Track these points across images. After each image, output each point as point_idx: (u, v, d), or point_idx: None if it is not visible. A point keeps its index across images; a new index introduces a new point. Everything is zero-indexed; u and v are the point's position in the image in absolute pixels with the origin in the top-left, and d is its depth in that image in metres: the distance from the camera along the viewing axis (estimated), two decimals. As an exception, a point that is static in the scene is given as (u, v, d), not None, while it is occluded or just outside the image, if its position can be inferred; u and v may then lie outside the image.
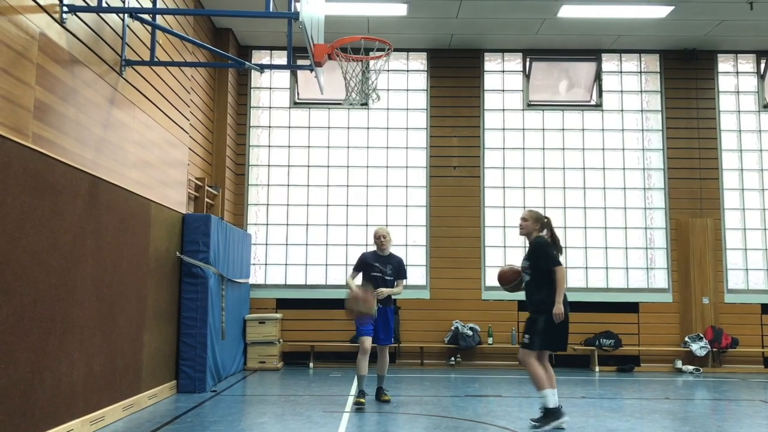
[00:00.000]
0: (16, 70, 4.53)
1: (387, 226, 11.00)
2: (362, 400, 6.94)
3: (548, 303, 5.92)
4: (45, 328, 4.90)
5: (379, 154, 11.39)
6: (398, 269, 7.34)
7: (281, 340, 10.58)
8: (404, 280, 7.51)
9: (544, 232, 6.24)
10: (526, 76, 11.63)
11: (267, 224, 11.31)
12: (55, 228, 5.04)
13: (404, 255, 11.01)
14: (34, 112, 4.74)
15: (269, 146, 11.45)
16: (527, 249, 6.31)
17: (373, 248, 7.50)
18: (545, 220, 6.30)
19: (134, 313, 6.63)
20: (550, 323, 5.90)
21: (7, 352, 4.40)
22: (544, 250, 6.07)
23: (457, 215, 11.19)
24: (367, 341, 7.09)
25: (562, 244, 6.33)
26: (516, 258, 11.19)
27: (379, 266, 7.25)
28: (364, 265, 7.34)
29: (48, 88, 4.95)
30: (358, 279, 7.38)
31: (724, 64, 11.67)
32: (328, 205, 11.29)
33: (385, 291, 7.11)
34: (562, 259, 6.15)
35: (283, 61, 11.27)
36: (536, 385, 5.92)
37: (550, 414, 5.83)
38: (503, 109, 11.59)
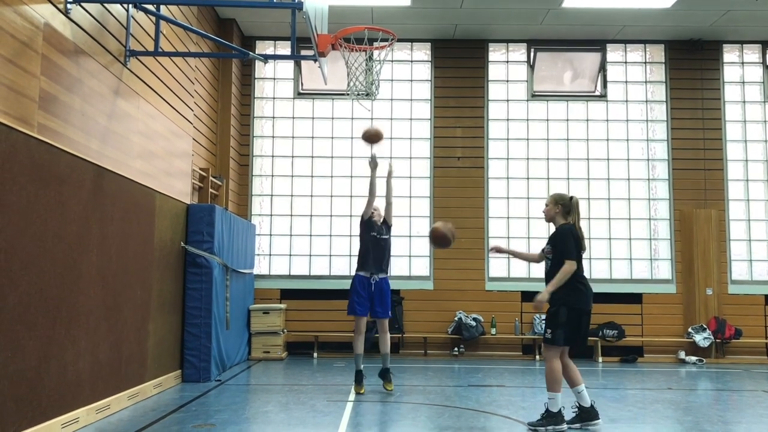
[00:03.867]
0: (21, 61, 4.55)
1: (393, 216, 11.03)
2: (362, 390, 7.11)
3: (569, 294, 5.57)
4: (51, 317, 4.94)
5: (383, 144, 11.35)
6: (389, 228, 7.72)
7: (285, 330, 10.62)
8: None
9: (570, 219, 5.77)
10: (531, 66, 11.60)
11: (271, 215, 11.33)
12: (61, 218, 5.07)
13: (407, 246, 11.10)
14: (40, 103, 4.76)
15: (273, 137, 11.46)
16: (552, 234, 5.90)
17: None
18: (570, 199, 5.80)
19: (139, 303, 6.67)
20: (572, 318, 5.54)
21: (14, 341, 4.44)
22: (563, 239, 5.66)
23: (461, 206, 11.19)
24: (362, 321, 7.31)
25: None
26: (518, 248, 11.23)
27: (376, 227, 7.55)
28: (367, 227, 7.56)
29: (53, 79, 4.96)
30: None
31: (730, 54, 11.62)
32: (331, 196, 11.30)
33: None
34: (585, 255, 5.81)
35: (287, 51, 11.25)
36: (549, 384, 5.57)
37: (553, 417, 5.51)
38: (507, 100, 11.57)
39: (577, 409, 5.65)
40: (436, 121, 11.43)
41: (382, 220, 7.67)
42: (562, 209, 5.80)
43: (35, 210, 4.70)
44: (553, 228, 5.95)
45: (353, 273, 7.55)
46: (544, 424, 5.50)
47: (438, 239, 6.91)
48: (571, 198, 5.83)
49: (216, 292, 8.12)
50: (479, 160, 11.33)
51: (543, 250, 5.91)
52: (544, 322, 10.48)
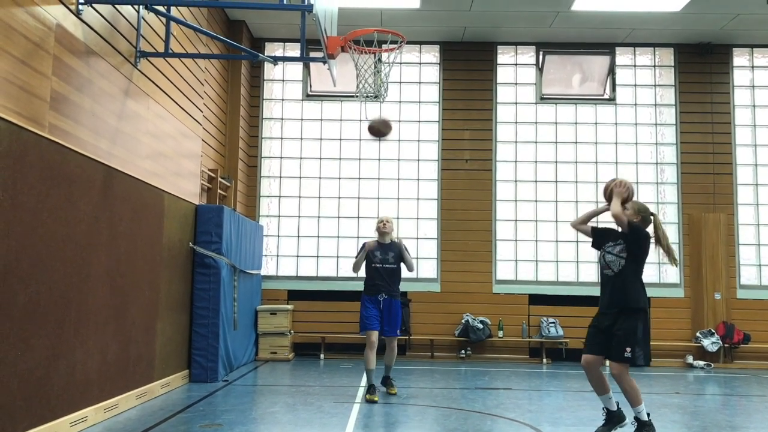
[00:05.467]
0: (33, 61, 4.58)
1: (398, 218, 11.06)
2: (376, 398, 6.84)
3: (645, 303, 5.14)
4: (60, 316, 4.97)
5: (391, 146, 11.39)
6: (400, 254, 7.27)
7: (292, 331, 10.64)
8: (412, 260, 7.39)
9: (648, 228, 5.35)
10: (539, 69, 11.59)
11: (279, 216, 11.36)
12: (71, 217, 5.10)
13: (415, 248, 11.09)
14: (51, 103, 4.80)
15: (281, 138, 11.49)
16: (622, 234, 5.32)
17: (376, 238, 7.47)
18: (649, 214, 5.37)
19: (147, 303, 6.69)
20: (647, 330, 5.12)
21: (23, 339, 4.47)
22: (643, 233, 5.21)
23: (469, 208, 11.19)
24: (373, 335, 7.07)
25: (578, 239, 5.61)
26: (526, 252, 11.21)
27: (379, 255, 7.22)
28: (368, 257, 7.29)
29: (64, 79, 5.00)
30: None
31: (740, 58, 11.58)
32: (339, 198, 11.32)
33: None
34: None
35: (296, 53, 11.29)
36: (633, 400, 5.17)
37: (645, 426, 5.14)
38: (516, 103, 11.56)
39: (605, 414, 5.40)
40: (445, 124, 11.44)
41: (389, 240, 7.32)
42: (641, 219, 5.34)
43: (45, 210, 4.73)
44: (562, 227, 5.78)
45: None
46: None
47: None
48: (653, 214, 5.43)
49: (224, 293, 8.14)
50: (487, 163, 11.33)
51: (606, 259, 5.30)
52: (552, 324, 10.48)
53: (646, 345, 5.15)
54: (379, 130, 6.93)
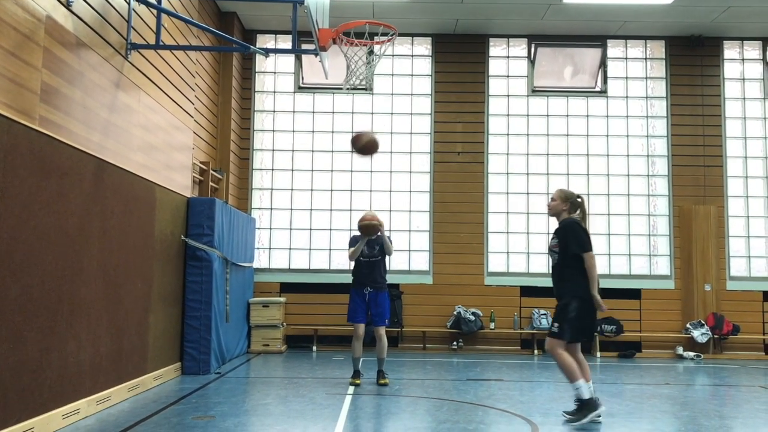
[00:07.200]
0: (23, 53, 4.56)
1: (390, 211, 11.09)
2: (358, 381, 7.30)
3: (579, 289, 5.54)
4: (52, 308, 4.97)
5: (384, 139, 11.38)
6: (383, 244, 7.45)
7: (285, 323, 10.66)
8: (391, 245, 7.59)
9: (577, 213, 5.82)
10: (531, 61, 11.60)
11: (271, 209, 11.35)
12: (62, 210, 5.09)
13: (407, 240, 11.13)
14: (41, 95, 4.78)
15: (273, 131, 11.47)
16: (557, 229, 5.83)
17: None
18: (578, 199, 5.84)
19: (140, 295, 6.69)
20: (582, 311, 5.51)
21: (15, 332, 4.47)
22: (574, 233, 5.63)
23: (461, 201, 11.21)
24: (360, 328, 7.41)
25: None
26: (518, 244, 11.27)
27: (366, 250, 7.47)
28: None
29: (54, 71, 4.98)
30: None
31: (730, 50, 11.63)
32: (332, 190, 11.32)
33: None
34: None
35: (288, 45, 11.25)
36: (568, 376, 5.50)
37: (586, 405, 5.45)
38: (508, 95, 11.58)
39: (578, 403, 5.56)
40: (437, 116, 11.44)
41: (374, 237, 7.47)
42: (570, 207, 5.82)
43: (37, 202, 4.72)
44: (555, 222, 5.96)
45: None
46: (583, 414, 5.43)
47: (364, 149, 6.94)
48: (579, 197, 5.86)
49: (216, 285, 8.14)
50: (479, 155, 11.35)
51: (549, 246, 5.87)
52: (543, 316, 10.58)
53: (578, 323, 5.54)
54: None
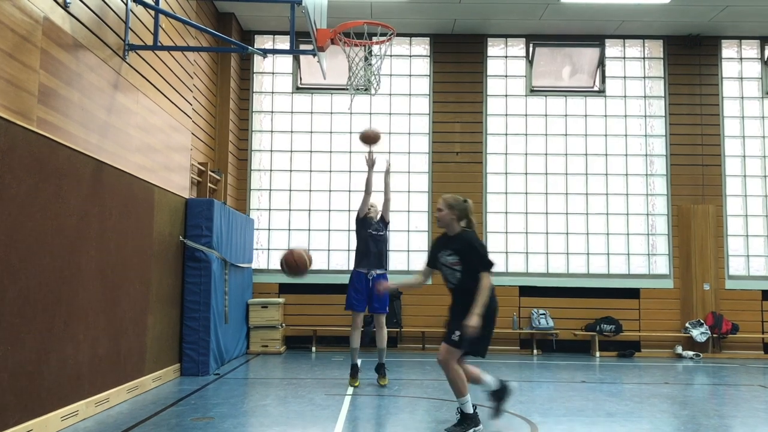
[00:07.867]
0: (21, 55, 4.55)
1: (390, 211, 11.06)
2: (356, 383, 7.25)
3: (491, 308, 5.16)
4: (50, 310, 4.96)
5: (382, 139, 11.34)
6: (386, 225, 7.70)
7: (284, 324, 10.65)
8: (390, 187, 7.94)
9: (464, 223, 5.33)
10: (530, 61, 11.61)
11: (269, 209, 11.34)
12: (60, 211, 5.08)
13: (406, 240, 11.14)
14: (39, 97, 4.77)
15: (272, 131, 11.46)
16: (451, 242, 5.33)
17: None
18: (463, 204, 5.30)
19: (138, 297, 6.68)
20: (485, 326, 5.06)
21: (13, 334, 4.46)
22: (475, 249, 5.20)
23: (459, 201, 11.19)
24: (359, 317, 7.38)
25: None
26: (517, 243, 11.26)
27: (374, 224, 7.56)
28: (363, 224, 7.57)
29: (52, 73, 4.97)
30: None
31: (728, 50, 11.64)
32: (330, 191, 11.31)
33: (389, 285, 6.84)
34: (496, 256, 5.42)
35: (286, 45, 11.25)
36: (457, 390, 5.17)
37: (470, 419, 5.17)
38: (506, 95, 11.58)
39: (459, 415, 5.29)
40: (435, 116, 11.44)
41: (378, 216, 7.67)
42: (458, 214, 5.29)
43: (34, 204, 4.71)
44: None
45: (352, 268, 7.61)
46: (465, 428, 5.17)
47: (293, 268, 6.71)
48: (465, 201, 5.35)
49: (214, 286, 8.13)
50: (478, 155, 11.35)
51: (449, 263, 5.28)
52: (542, 316, 10.56)
53: (478, 338, 5.05)
54: (370, 138, 7.37)
